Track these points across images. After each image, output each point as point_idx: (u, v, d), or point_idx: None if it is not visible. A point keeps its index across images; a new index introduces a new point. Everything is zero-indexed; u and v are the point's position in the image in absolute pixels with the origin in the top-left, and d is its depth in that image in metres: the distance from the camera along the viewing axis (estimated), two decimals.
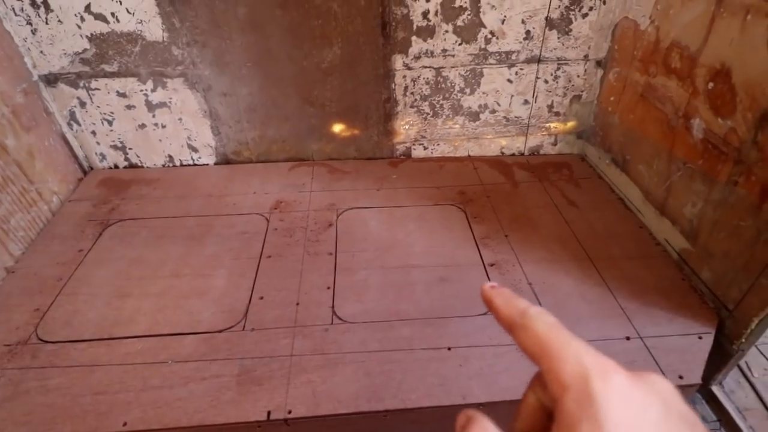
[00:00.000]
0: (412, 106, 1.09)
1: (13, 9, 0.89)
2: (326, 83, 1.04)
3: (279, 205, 1.01)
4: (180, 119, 1.07)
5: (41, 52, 0.95)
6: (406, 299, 0.79)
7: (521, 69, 1.06)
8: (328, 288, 0.81)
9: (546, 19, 0.99)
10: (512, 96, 1.10)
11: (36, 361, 0.69)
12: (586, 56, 1.06)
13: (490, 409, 0.63)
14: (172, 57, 0.98)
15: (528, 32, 1.01)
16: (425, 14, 0.96)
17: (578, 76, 1.08)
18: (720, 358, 0.74)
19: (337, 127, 1.12)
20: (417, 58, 1.02)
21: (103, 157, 1.11)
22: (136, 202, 1.02)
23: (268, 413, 0.62)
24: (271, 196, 1.04)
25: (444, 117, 1.12)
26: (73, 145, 1.07)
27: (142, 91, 1.02)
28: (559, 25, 1.00)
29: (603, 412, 0.17)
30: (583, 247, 0.89)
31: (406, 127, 1.13)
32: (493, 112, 1.12)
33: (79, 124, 1.05)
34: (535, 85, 1.09)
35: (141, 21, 0.93)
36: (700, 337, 0.73)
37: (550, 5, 0.97)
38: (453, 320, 0.75)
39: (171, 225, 0.95)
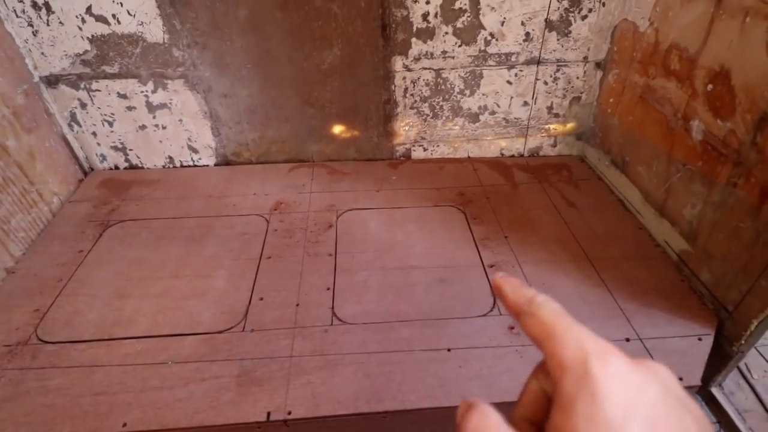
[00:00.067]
0: (411, 108, 1.10)
1: (15, 11, 0.90)
2: (326, 84, 1.04)
3: (279, 206, 1.01)
4: (180, 120, 1.07)
5: (42, 53, 0.95)
6: (406, 300, 0.79)
7: (521, 70, 1.06)
8: (328, 289, 0.81)
9: (545, 20, 0.99)
10: (512, 97, 1.10)
11: (36, 361, 0.69)
12: (585, 58, 1.06)
13: None
14: (173, 58, 0.98)
15: (527, 34, 1.01)
16: (425, 16, 0.97)
17: (578, 77, 1.08)
18: (719, 359, 0.74)
19: (337, 129, 1.12)
20: (417, 59, 1.02)
21: (103, 158, 1.11)
22: (136, 203, 1.02)
23: (268, 414, 0.62)
24: (271, 197, 1.04)
25: (444, 118, 1.12)
26: (74, 146, 1.08)
27: (142, 92, 1.02)
28: (559, 26, 1.01)
29: (600, 389, 0.18)
30: (583, 248, 0.89)
31: (406, 128, 1.13)
32: (493, 113, 1.12)
33: (79, 125, 1.06)
34: (534, 87, 1.09)
35: (142, 23, 0.93)
36: (699, 339, 0.73)
37: (549, 7, 0.98)
38: (453, 321, 0.75)
39: (171, 226, 0.95)
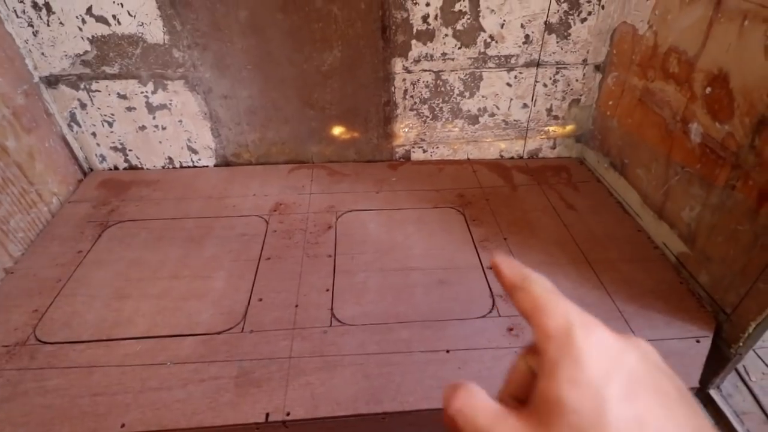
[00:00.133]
0: (411, 109, 1.10)
1: (15, 11, 0.90)
2: (326, 86, 1.04)
3: (278, 207, 1.01)
4: (180, 121, 1.07)
5: (42, 53, 0.95)
6: (405, 302, 0.79)
7: (520, 73, 1.06)
8: (327, 290, 0.81)
9: (545, 23, 1.00)
10: (511, 99, 1.10)
11: (34, 362, 0.69)
12: (584, 60, 1.06)
13: None
14: (173, 59, 0.98)
15: (527, 36, 1.01)
16: (425, 18, 0.97)
17: (577, 80, 1.09)
18: (718, 361, 0.74)
19: (337, 130, 1.12)
20: (417, 61, 1.03)
21: (103, 158, 1.12)
22: (135, 203, 1.02)
23: (267, 415, 0.62)
24: (270, 198, 1.04)
25: (443, 120, 1.12)
26: (74, 146, 1.08)
27: (142, 93, 1.02)
28: (558, 29, 1.01)
29: (583, 354, 0.19)
30: (582, 251, 0.90)
31: (406, 130, 1.13)
32: (493, 115, 1.13)
33: (79, 126, 1.06)
34: (534, 89, 1.09)
35: (142, 23, 0.93)
36: (697, 341, 0.73)
37: (549, 10, 0.98)
38: (452, 323, 0.75)
39: (170, 227, 0.95)
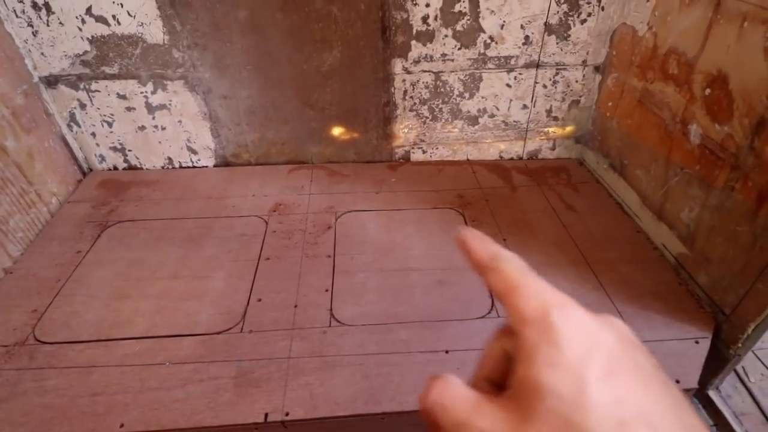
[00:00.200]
0: (411, 110, 1.10)
1: (15, 11, 0.90)
2: (326, 86, 1.04)
3: (278, 207, 1.01)
4: (180, 121, 1.07)
5: (42, 53, 0.95)
6: (405, 302, 0.79)
7: (520, 74, 1.06)
8: (327, 290, 0.81)
9: (545, 24, 1.00)
10: (511, 100, 1.10)
11: (33, 362, 0.69)
12: (584, 62, 1.06)
13: None
14: (173, 59, 0.98)
15: (527, 37, 1.01)
16: (425, 19, 0.97)
17: (577, 81, 1.09)
18: (717, 362, 0.74)
19: (337, 131, 1.12)
20: (416, 62, 1.03)
21: (102, 158, 1.11)
22: (135, 203, 1.02)
23: (266, 415, 0.62)
24: (270, 199, 1.04)
25: (443, 121, 1.13)
26: (73, 146, 1.08)
27: (142, 93, 1.02)
28: (558, 30, 1.01)
29: (561, 337, 0.18)
30: (581, 251, 0.90)
31: (405, 130, 1.13)
32: (492, 116, 1.13)
33: (79, 126, 1.06)
34: (533, 90, 1.09)
35: (142, 24, 0.93)
36: (696, 342, 0.73)
37: (549, 11, 0.98)
38: (451, 323, 0.75)
39: (170, 227, 0.95)
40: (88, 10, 0.91)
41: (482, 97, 1.09)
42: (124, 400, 0.64)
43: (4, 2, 0.89)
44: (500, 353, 0.23)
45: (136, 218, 0.97)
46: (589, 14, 0.99)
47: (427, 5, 0.95)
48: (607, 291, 0.81)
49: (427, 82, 1.06)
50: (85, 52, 0.96)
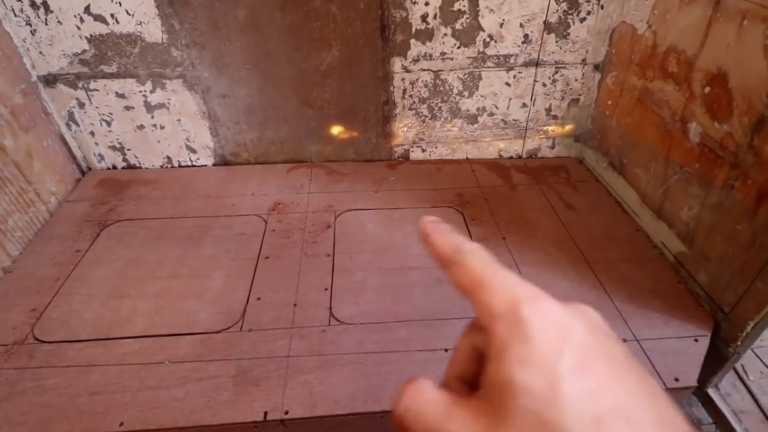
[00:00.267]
0: (410, 109, 1.10)
1: (13, 10, 0.90)
2: (325, 85, 1.04)
3: (277, 206, 1.01)
4: (179, 120, 1.07)
5: (40, 52, 0.95)
6: (404, 301, 0.79)
7: (519, 72, 1.06)
8: (326, 289, 0.81)
9: (544, 23, 1.00)
10: (510, 99, 1.10)
11: (33, 361, 0.69)
12: (584, 60, 1.06)
13: None
14: (171, 58, 0.98)
15: (526, 36, 1.01)
16: (424, 17, 0.97)
17: (576, 79, 1.09)
18: (716, 360, 0.74)
19: (336, 129, 1.12)
20: (416, 60, 1.03)
21: (101, 157, 1.11)
22: (134, 202, 1.02)
23: (265, 414, 0.62)
24: (269, 198, 1.04)
25: (442, 120, 1.12)
26: (72, 145, 1.07)
27: (140, 92, 1.02)
28: (558, 29, 1.01)
29: (532, 331, 0.18)
30: (580, 250, 0.90)
31: (405, 129, 1.13)
32: (492, 115, 1.13)
33: (77, 125, 1.06)
34: (533, 89, 1.09)
35: (140, 22, 0.93)
36: (696, 340, 0.73)
37: (548, 9, 0.98)
38: (450, 322, 0.75)
39: (169, 226, 0.95)
40: (87, 9, 0.91)
41: (481, 96, 1.09)
42: (123, 399, 0.64)
43: (3, 1, 0.88)
44: (470, 350, 0.22)
45: (135, 217, 0.97)
46: (589, 12, 0.99)
47: (426, 4, 0.95)
48: (607, 289, 0.81)
49: (426, 81, 1.06)
50: (84, 51, 0.96)
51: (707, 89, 0.76)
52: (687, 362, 0.70)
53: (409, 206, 1.02)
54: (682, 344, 0.72)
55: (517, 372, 0.17)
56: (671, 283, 0.83)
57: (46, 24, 0.92)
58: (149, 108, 1.04)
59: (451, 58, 1.03)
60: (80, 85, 1.00)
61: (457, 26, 0.99)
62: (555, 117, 1.15)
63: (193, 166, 1.15)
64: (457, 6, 0.96)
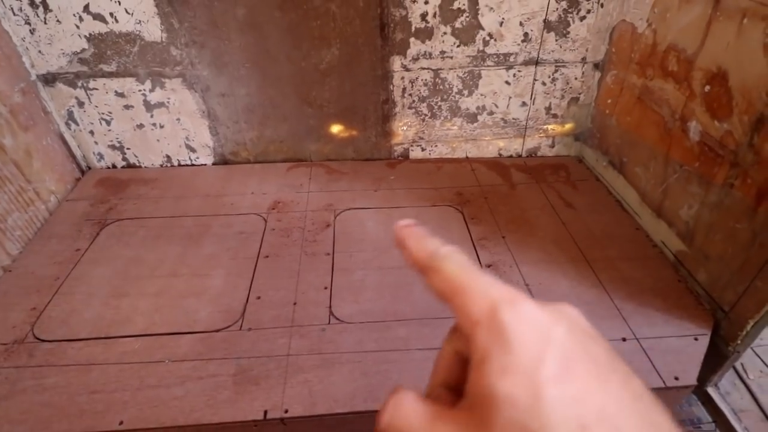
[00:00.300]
0: (410, 108, 1.10)
1: (12, 8, 0.89)
2: (324, 84, 1.04)
3: (277, 205, 1.01)
4: (178, 119, 1.07)
5: (39, 51, 0.95)
6: (403, 300, 0.79)
7: (519, 71, 1.06)
8: (325, 288, 0.81)
9: (544, 21, 1.00)
10: (510, 98, 1.10)
11: (33, 359, 0.69)
12: (583, 59, 1.06)
13: None
14: (171, 57, 0.98)
15: (526, 34, 1.01)
16: (424, 16, 0.97)
17: (576, 78, 1.09)
18: (716, 359, 0.74)
19: (335, 128, 1.12)
20: (415, 59, 1.03)
21: (101, 156, 1.11)
22: (133, 201, 1.02)
23: (265, 412, 0.62)
24: (268, 197, 1.04)
25: (442, 118, 1.12)
26: (71, 144, 1.07)
27: (140, 91, 1.02)
28: (557, 27, 1.01)
29: (512, 336, 0.17)
30: (580, 249, 0.90)
31: (404, 128, 1.13)
32: (491, 113, 1.13)
33: (77, 124, 1.05)
34: (533, 87, 1.09)
35: (139, 21, 0.93)
36: (695, 339, 0.73)
37: (548, 8, 0.98)
38: (450, 321, 0.73)
39: (168, 225, 0.95)
40: (86, 8, 0.90)
41: (481, 95, 1.09)
42: (123, 398, 0.64)
43: (2, 0, 0.88)
44: (453, 355, 0.22)
45: (134, 216, 0.97)
46: (589, 11, 0.99)
47: (426, 2, 0.95)
48: (606, 288, 0.81)
49: (425, 80, 1.06)
50: (83, 50, 0.96)
51: (707, 88, 0.76)
52: (687, 361, 0.70)
53: (408, 205, 1.02)
54: (681, 343, 0.73)
55: (498, 382, 0.17)
56: (671, 281, 0.83)
57: (45, 23, 0.92)
58: (149, 107, 1.04)
59: (451, 57, 1.03)
60: (79, 84, 1.00)
61: (457, 25, 0.99)
62: (555, 116, 1.14)
63: (193, 165, 1.15)
64: (456, 4, 0.96)
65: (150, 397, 0.64)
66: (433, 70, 1.04)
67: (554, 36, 1.02)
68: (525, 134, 1.17)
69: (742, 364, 0.81)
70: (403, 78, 1.05)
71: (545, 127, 1.16)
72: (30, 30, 0.92)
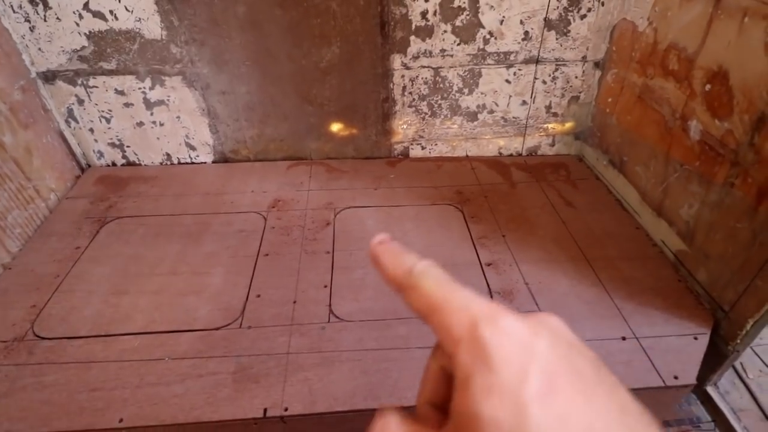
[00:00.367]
0: (410, 106, 1.10)
1: (12, 6, 0.89)
2: (325, 82, 1.04)
3: (277, 203, 1.01)
4: (178, 117, 1.07)
5: (39, 49, 0.95)
6: None
7: (519, 69, 1.06)
8: (325, 286, 0.81)
9: (544, 19, 0.99)
10: (510, 96, 1.10)
11: (32, 357, 0.69)
12: (584, 57, 1.06)
13: None
14: (171, 55, 0.98)
15: (526, 33, 1.01)
16: (424, 14, 0.97)
17: (576, 77, 1.08)
18: (715, 358, 0.74)
19: (336, 127, 1.12)
20: (415, 57, 1.02)
21: (100, 154, 1.11)
22: (133, 199, 1.02)
23: (265, 410, 0.62)
24: (268, 195, 1.04)
25: (442, 117, 1.12)
26: (71, 142, 1.07)
27: (140, 89, 1.02)
28: (558, 26, 1.01)
29: (494, 354, 0.17)
30: (580, 248, 0.90)
31: (404, 126, 1.13)
32: (491, 112, 1.12)
33: (77, 122, 1.05)
34: (533, 86, 1.09)
35: (139, 19, 0.93)
36: (695, 338, 0.73)
37: (548, 6, 0.98)
38: None
39: (168, 223, 0.95)
40: (86, 6, 0.90)
41: (481, 93, 1.09)
42: (123, 396, 0.64)
43: None
44: (439, 371, 0.21)
45: (134, 214, 0.97)
46: (589, 9, 0.99)
47: (426, 0, 0.95)
48: (606, 287, 0.81)
49: (426, 78, 1.06)
50: (83, 48, 0.95)
51: (708, 87, 0.76)
52: (686, 360, 0.70)
53: (408, 204, 1.02)
54: (681, 342, 0.73)
55: (482, 403, 0.17)
56: (671, 281, 0.83)
57: (45, 20, 0.91)
58: (148, 105, 1.04)
59: (451, 55, 1.03)
60: (79, 81, 1.00)
61: (457, 23, 0.98)
62: (555, 114, 1.14)
63: (193, 163, 1.15)
64: (457, 3, 0.96)
65: (150, 394, 0.64)
66: (433, 68, 1.04)
67: (555, 34, 1.02)
68: (525, 133, 1.17)
69: (741, 364, 0.81)
70: (403, 76, 1.05)
71: (545, 125, 1.16)
72: (30, 27, 0.92)
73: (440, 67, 1.04)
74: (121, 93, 1.02)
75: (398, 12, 0.96)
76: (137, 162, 1.13)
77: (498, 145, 1.19)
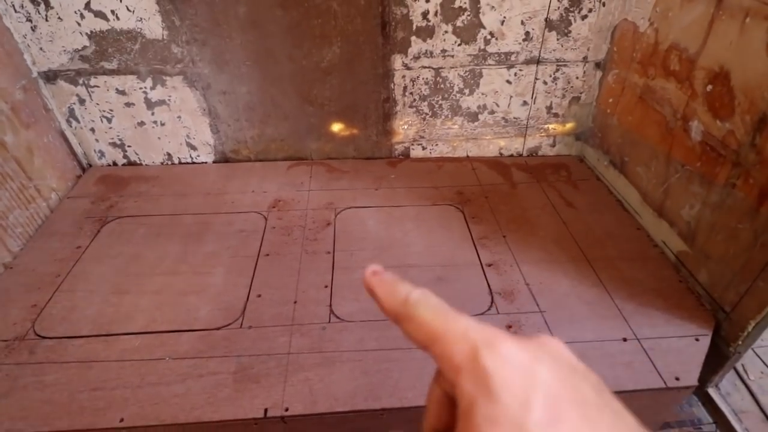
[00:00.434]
0: (411, 106, 1.10)
1: (13, 5, 0.89)
2: (325, 82, 1.04)
3: (277, 203, 1.01)
4: (179, 117, 1.07)
5: (41, 49, 0.95)
6: None
7: (520, 70, 1.06)
8: (326, 287, 0.81)
9: (545, 20, 0.99)
10: (511, 97, 1.10)
11: (33, 356, 0.69)
12: (585, 58, 1.06)
13: None
14: (172, 55, 0.98)
15: (527, 33, 1.01)
16: (425, 14, 0.97)
17: (577, 77, 1.08)
18: (716, 360, 0.74)
19: (336, 127, 1.12)
20: (416, 58, 1.02)
21: (101, 154, 1.11)
22: (134, 199, 1.02)
23: (265, 411, 0.62)
24: (269, 195, 1.04)
25: (443, 117, 1.12)
26: (72, 142, 1.07)
27: (141, 88, 1.02)
28: (559, 26, 1.01)
29: (496, 382, 0.17)
30: (581, 248, 0.90)
31: (405, 127, 1.13)
32: (492, 112, 1.12)
33: (78, 122, 1.05)
34: (534, 87, 1.09)
35: (141, 19, 0.93)
36: (696, 339, 0.73)
37: (549, 7, 0.98)
38: None
39: (169, 223, 0.95)
40: (87, 5, 0.90)
41: (482, 94, 1.09)
42: (124, 395, 0.64)
43: None
44: (442, 398, 0.21)
45: (135, 214, 0.97)
46: (590, 10, 0.99)
47: (427, 1, 0.95)
48: (607, 288, 0.81)
49: (426, 78, 1.06)
50: (84, 48, 0.96)
51: (709, 87, 0.76)
52: (688, 361, 0.70)
53: (409, 204, 1.02)
54: (682, 343, 0.72)
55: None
56: (672, 282, 0.83)
57: (47, 20, 0.92)
58: (150, 105, 1.04)
59: (452, 56, 1.03)
60: (81, 81, 1.00)
61: (458, 23, 0.98)
62: (556, 115, 1.14)
63: (194, 163, 1.15)
64: (458, 3, 0.96)
65: (150, 394, 0.64)
66: (434, 68, 1.04)
67: (556, 35, 1.02)
68: (526, 133, 1.17)
69: (743, 365, 0.81)
70: (404, 77, 1.05)
71: (546, 126, 1.16)
72: (31, 27, 0.92)
73: (441, 68, 1.04)
74: (122, 93, 1.02)
75: (399, 12, 0.96)
76: (138, 162, 1.13)
77: (499, 146, 1.18)
